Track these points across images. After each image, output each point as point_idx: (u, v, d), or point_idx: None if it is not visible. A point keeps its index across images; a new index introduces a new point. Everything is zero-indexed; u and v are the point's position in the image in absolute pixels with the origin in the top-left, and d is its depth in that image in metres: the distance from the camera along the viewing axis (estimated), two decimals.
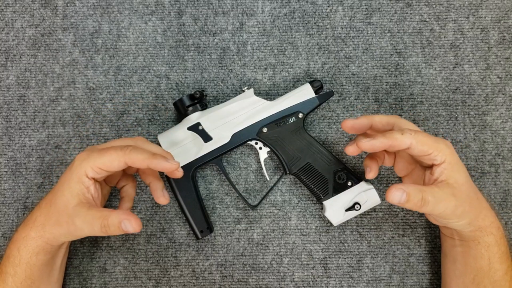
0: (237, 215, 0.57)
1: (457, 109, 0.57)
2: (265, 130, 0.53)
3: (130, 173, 0.52)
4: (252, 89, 0.54)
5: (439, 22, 0.58)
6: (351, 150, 0.46)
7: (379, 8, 0.58)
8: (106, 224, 0.42)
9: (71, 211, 0.44)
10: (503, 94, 0.57)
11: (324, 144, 0.57)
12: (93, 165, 0.44)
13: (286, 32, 0.58)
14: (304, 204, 0.57)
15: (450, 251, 0.50)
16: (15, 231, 0.48)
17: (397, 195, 0.41)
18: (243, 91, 0.54)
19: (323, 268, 0.56)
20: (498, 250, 0.46)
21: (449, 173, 0.44)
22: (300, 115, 0.53)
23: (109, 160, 0.44)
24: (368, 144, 0.44)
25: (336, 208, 0.53)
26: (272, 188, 0.55)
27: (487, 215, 0.46)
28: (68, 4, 0.58)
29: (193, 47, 0.58)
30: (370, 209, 0.56)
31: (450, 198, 0.43)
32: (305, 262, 0.56)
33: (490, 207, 0.47)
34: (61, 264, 0.51)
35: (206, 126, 0.53)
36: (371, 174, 0.50)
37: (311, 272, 0.56)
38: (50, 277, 0.50)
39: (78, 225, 0.43)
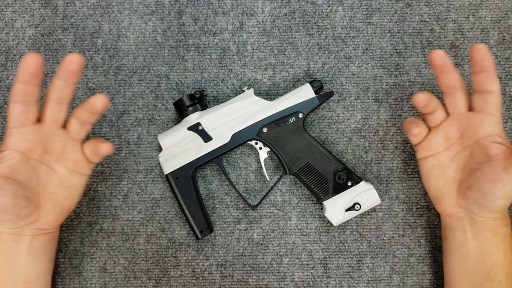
0: (237, 215, 0.57)
1: None
2: (265, 130, 0.53)
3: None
4: (252, 89, 0.54)
5: (439, 22, 0.58)
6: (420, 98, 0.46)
7: (379, 8, 0.58)
8: (86, 161, 0.47)
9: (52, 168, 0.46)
10: (503, 94, 0.57)
11: (324, 144, 0.57)
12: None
13: (286, 32, 0.58)
14: (304, 204, 0.57)
15: (461, 249, 0.48)
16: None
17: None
18: (243, 91, 0.54)
19: (323, 268, 0.56)
20: (510, 241, 0.46)
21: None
22: (300, 115, 0.53)
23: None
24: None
25: (336, 208, 0.53)
26: (272, 188, 0.55)
27: (501, 198, 0.44)
28: (68, 4, 0.58)
29: (193, 47, 0.58)
30: (370, 209, 0.56)
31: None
32: (305, 262, 0.56)
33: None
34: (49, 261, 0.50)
35: (206, 126, 0.53)
36: (417, 129, 0.47)
37: (311, 272, 0.56)
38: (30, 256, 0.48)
39: (65, 176, 0.47)
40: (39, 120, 0.46)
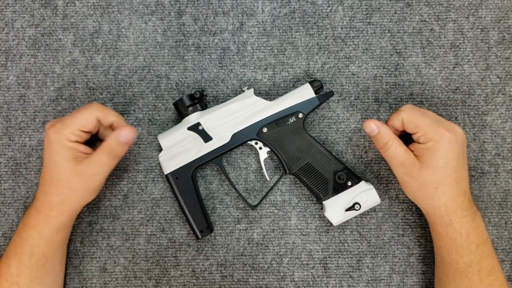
0: (237, 215, 0.57)
1: (457, 109, 0.57)
2: (265, 130, 0.53)
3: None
4: (252, 89, 0.54)
5: (439, 22, 0.58)
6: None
7: (379, 8, 0.58)
8: (110, 150, 0.47)
9: (78, 173, 0.47)
10: (503, 94, 0.57)
11: (324, 144, 0.57)
12: (71, 129, 0.47)
13: (286, 32, 0.58)
14: (304, 204, 0.57)
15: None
16: (27, 216, 0.49)
17: (371, 127, 0.47)
18: (243, 91, 0.54)
19: (323, 268, 0.56)
20: (452, 243, 0.47)
21: (424, 154, 0.46)
22: (300, 115, 0.53)
23: (83, 119, 0.47)
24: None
25: (336, 208, 0.53)
26: (272, 188, 0.55)
27: (441, 205, 0.47)
28: (68, 4, 0.58)
29: (193, 47, 0.58)
30: (370, 209, 0.56)
31: (407, 170, 0.47)
32: (305, 262, 0.56)
33: (455, 202, 0.47)
34: (67, 242, 0.54)
35: (206, 126, 0.53)
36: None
37: (311, 272, 0.56)
38: (62, 256, 0.53)
39: (91, 177, 0.48)
40: None
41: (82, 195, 0.49)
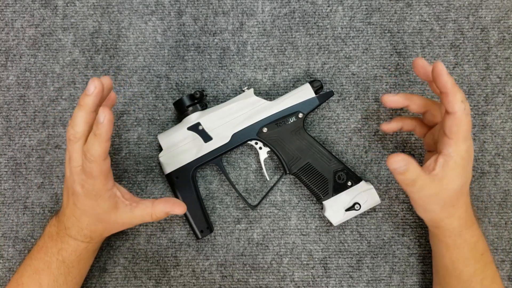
0: (237, 215, 0.57)
1: None
2: (265, 130, 0.53)
3: None
4: (252, 89, 0.54)
5: (439, 22, 0.58)
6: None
7: (379, 8, 0.58)
8: (155, 218, 0.47)
9: (118, 219, 0.47)
10: (503, 94, 0.57)
11: (324, 144, 0.57)
12: (101, 178, 0.44)
13: (286, 32, 0.58)
14: (304, 204, 0.57)
15: (431, 245, 0.52)
16: (63, 241, 0.48)
17: (399, 162, 0.40)
18: (243, 91, 0.54)
19: (323, 268, 0.56)
20: (458, 252, 0.47)
21: (446, 172, 0.43)
22: (300, 115, 0.53)
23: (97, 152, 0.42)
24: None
25: (336, 208, 0.53)
26: (272, 188, 0.55)
27: (455, 220, 0.46)
28: (68, 4, 0.58)
29: (193, 47, 0.58)
30: (370, 209, 0.56)
31: (433, 193, 0.43)
32: (305, 262, 0.56)
33: (466, 213, 0.46)
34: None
35: (206, 126, 0.53)
36: (388, 125, 0.50)
37: (311, 272, 0.56)
38: (87, 266, 0.52)
39: (128, 223, 0.48)
40: None
41: (110, 232, 0.49)
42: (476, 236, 0.47)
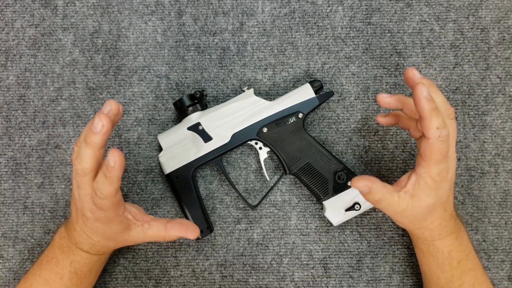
0: (237, 215, 0.57)
1: (457, 109, 0.57)
2: (265, 130, 0.53)
3: None
4: (252, 89, 0.54)
5: (439, 22, 0.58)
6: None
7: (379, 8, 0.58)
8: (167, 240, 0.46)
9: (130, 239, 0.47)
10: (503, 94, 0.57)
11: (324, 144, 0.57)
12: (115, 208, 0.43)
13: (286, 32, 0.58)
14: (304, 204, 0.57)
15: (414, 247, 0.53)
16: (73, 254, 0.48)
17: (360, 184, 0.42)
18: (243, 91, 0.54)
19: (323, 268, 0.56)
20: (433, 259, 0.47)
21: (417, 192, 0.43)
22: (300, 115, 0.53)
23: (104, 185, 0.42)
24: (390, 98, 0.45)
25: (336, 208, 0.53)
26: (272, 188, 0.55)
27: (426, 231, 0.46)
28: (68, 4, 0.58)
29: (193, 47, 0.58)
30: (370, 209, 0.56)
31: (401, 210, 0.44)
32: (305, 262, 0.56)
33: (440, 226, 0.46)
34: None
35: (206, 126, 0.53)
36: (384, 118, 0.49)
37: (311, 272, 0.56)
38: (98, 274, 0.52)
39: (141, 241, 0.47)
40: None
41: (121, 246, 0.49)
42: (451, 245, 0.47)
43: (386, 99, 0.46)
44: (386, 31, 0.58)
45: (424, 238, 0.47)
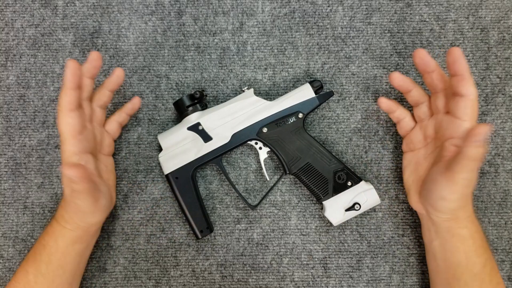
0: (237, 215, 0.57)
1: None
2: (265, 130, 0.53)
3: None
4: (252, 89, 0.54)
5: (439, 22, 0.58)
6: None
7: (379, 8, 0.58)
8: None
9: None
10: (503, 94, 0.57)
11: (324, 144, 0.57)
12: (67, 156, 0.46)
13: (286, 32, 0.58)
14: (304, 204, 0.57)
15: (430, 247, 0.50)
16: (49, 224, 0.50)
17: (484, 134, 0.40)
18: (243, 91, 0.54)
19: (323, 268, 0.56)
20: (473, 243, 0.46)
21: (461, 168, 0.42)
22: (300, 115, 0.53)
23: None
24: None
25: (336, 208, 0.53)
26: (272, 188, 0.55)
27: (467, 209, 0.46)
28: (68, 4, 0.58)
29: (193, 47, 0.58)
30: (370, 209, 0.56)
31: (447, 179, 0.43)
32: (305, 262, 0.56)
33: (471, 201, 0.47)
34: (87, 256, 0.53)
35: (206, 126, 0.53)
36: (386, 102, 0.51)
37: (311, 272, 0.56)
38: (79, 268, 0.52)
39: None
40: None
41: (90, 217, 0.48)
42: (479, 225, 0.47)
43: (401, 77, 0.48)
44: (386, 31, 0.58)
45: (467, 217, 0.46)
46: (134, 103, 0.54)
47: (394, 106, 0.51)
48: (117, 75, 0.50)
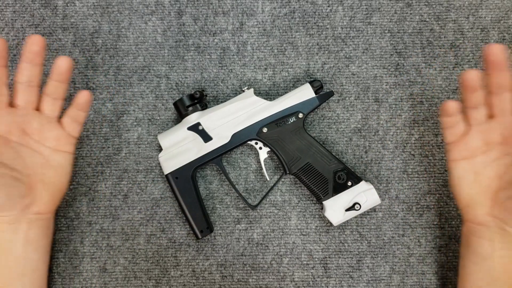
0: (237, 215, 0.57)
1: None
2: (265, 130, 0.53)
3: None
4: (252, 89, 0.54)
5: (439, 22, 0.58)
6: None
7: (379, 8, 0.58)
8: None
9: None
10: None
11: (324, 144, 0.57)
12: None
13: (286, 32, 0.58)
14: (304, 204, 0.57)
15: (486, 258, 0.45)
16: None
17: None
18: (243, 91, 0.54)
19: (323, 268, 0.56)
20: None
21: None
22: (300, 115, 0.53)
23: None
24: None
25: (336, 208, 0.53)
26: (272, 188, 0.55)
27: None
28: (68, 4, 0.58)
29: (193, 47, 0.58)
30: (370, 209, 0.56)
31: None
32: (305, 262, 0.56)
33: None
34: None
35: (206, 126, 0.53)
36: (454, 105, 0.45)
37: (311, 272, 0.56)
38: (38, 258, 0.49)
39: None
40: (12, 105, 0.47)
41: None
42: None
43: (478, 74, 0.43)
44: (386, 31, 0.58)
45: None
46: (79, 97, 0.49)
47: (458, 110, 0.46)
48: (59, 65, 0.47)
